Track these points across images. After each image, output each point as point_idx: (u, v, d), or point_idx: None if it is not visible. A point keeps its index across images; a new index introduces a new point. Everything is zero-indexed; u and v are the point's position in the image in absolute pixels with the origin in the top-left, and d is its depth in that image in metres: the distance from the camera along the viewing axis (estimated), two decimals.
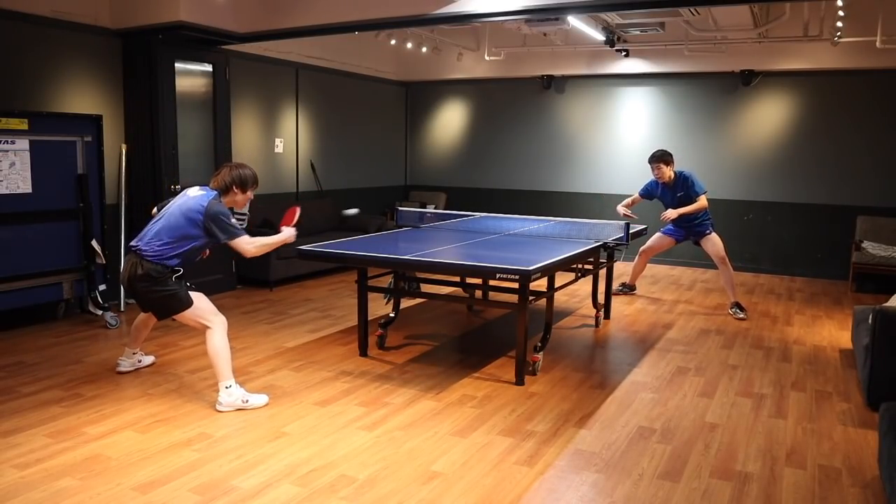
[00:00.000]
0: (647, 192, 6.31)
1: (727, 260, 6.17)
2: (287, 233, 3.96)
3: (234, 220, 3.75)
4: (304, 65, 7.98)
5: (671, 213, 6.04)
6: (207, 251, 3.95)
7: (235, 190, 3.82)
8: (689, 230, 6.27)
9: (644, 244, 6.60)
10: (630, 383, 4.30)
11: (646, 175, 6.32)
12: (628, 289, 6.92)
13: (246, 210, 4.21)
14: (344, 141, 8.86)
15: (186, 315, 3.76)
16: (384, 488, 2.90)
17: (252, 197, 3.94)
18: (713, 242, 6.19)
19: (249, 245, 3.76)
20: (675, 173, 6.10)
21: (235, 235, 3.73)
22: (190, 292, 3.79)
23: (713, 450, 3.36)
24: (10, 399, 3.81)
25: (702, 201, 6.01)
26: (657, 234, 6.45)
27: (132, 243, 3.81)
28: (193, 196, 3.78)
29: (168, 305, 3.75)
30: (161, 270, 3.68)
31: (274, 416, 3.65)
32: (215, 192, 3.79)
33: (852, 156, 7.69)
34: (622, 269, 7.09)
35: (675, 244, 6.50)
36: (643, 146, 8.15)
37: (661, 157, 6.06)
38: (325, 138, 8.53)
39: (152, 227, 3.77)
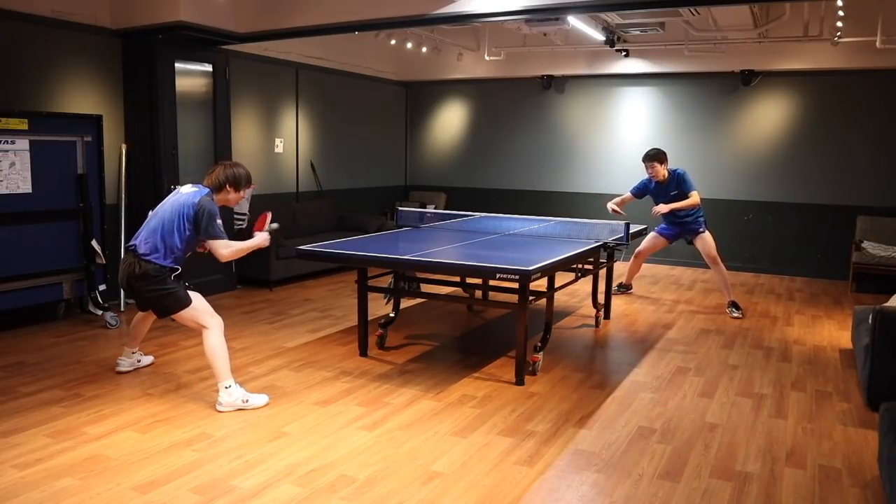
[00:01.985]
0: (640, 191, 6.31)
1: (719, 260, 6.16)
2: (260, 237, 3.99)
3: (219, 222, 3.80)
4: (304, 65, 7.98)
5: (662, 208, 6.04)
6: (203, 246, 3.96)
7: (229, 188, 3.88)
8: (682, 228, 6.27)
9: (638, 246, 6.59)
10: (630, 383, 4.30)
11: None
12: (625, 288, 6.92)
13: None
14: (344, 141, 8.86)
15: (183, 315, 3.79)
16: (384, 488, 2.90)
17: (244, 196, 3.98)
18: (705, 241, 6.18)
19: (226, 249, 3.82)
20: (668, 171, 6.11)
21: (217, 237, 3.78)
22: (188, 292, 3.81)
23: (713, 450, 3.36)
24: (10, 399, 3.81)
25: (694, 198, 6.02)
26: (650, 235, 6.44)
27: (129, 243, 3.86)
28: (186, 193, 3.84)
29: (166, 304, 3.78)
30: (159, 269, 3.71)
31: (274, 416, 3.65)
32: (208, 190, 3.85)
33: (852, 156, 7.69)
34: (622, 270, 7.09)
35: (668, 244, 6.51)
36: (643, 146, 8.07)
37: (654, 156, 6.08)
38: (325, 138, 8.52)
39: (147, 226, 3.82)
